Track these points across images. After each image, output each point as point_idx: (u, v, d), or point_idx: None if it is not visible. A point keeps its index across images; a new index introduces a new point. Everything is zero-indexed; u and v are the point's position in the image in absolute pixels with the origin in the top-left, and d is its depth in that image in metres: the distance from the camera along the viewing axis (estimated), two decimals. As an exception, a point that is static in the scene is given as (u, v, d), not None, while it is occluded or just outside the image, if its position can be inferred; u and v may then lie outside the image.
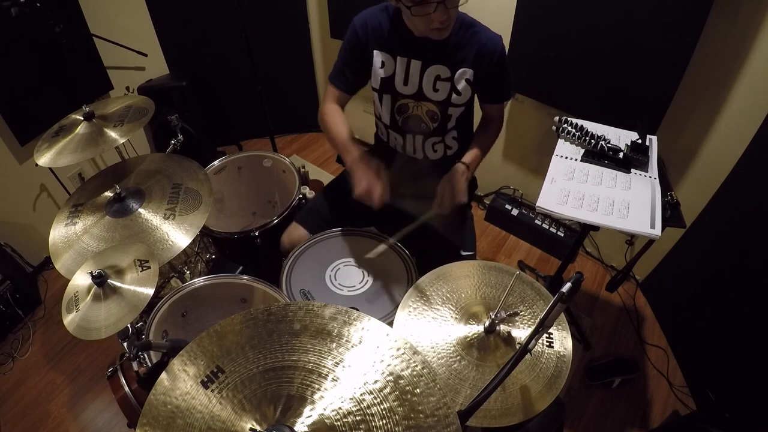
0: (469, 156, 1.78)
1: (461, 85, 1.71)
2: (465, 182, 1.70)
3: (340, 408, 0.84)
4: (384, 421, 0.83)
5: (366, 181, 1.54)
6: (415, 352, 0.91)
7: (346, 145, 1.70)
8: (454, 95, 1.73)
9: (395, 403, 0.85)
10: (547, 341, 1.28)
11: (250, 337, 0.93)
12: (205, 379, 0.86)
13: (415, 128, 1.86)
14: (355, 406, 0.84)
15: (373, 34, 1.72)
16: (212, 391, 0.85)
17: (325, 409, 0.84)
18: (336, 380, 0.88)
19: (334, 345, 0.92)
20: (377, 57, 1.74)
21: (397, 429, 0.82)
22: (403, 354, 0.91)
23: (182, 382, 0.86)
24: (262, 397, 0.86)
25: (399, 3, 1.53)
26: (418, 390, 0.87)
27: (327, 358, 0.90)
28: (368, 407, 0.84)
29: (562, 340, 1.30)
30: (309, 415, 0.84)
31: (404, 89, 1.76)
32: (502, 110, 1.88)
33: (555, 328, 1.32)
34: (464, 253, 1.83)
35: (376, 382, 0.87)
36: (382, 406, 0.84)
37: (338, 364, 0.90)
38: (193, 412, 0.82)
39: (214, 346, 0.91)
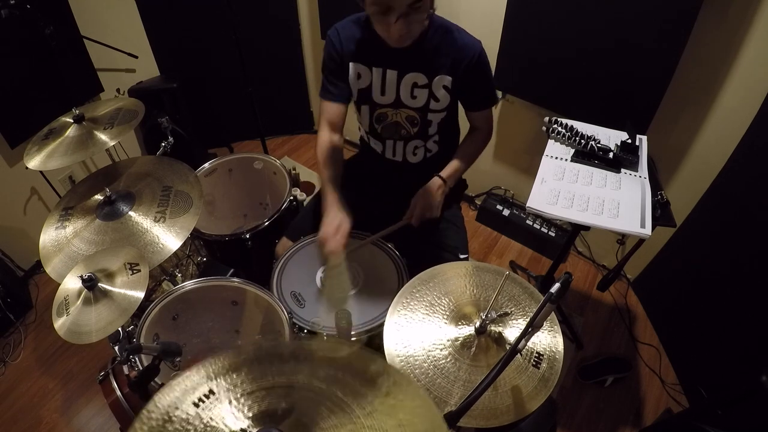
0: (448, 170, 1.78)
1: (440, 92, 1.70)
2: (440, 197, 1.71)
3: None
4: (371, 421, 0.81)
5: (324, 232, 1.59)
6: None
7: (324, 188, 1.73)
8: (432, 102, 1.73)
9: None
10: (534, 360, 1.27)
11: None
12: (197, 401, 0.83)
13: (395, 135, 1.85)
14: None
15: (347, 45, 1.71)
16: (203, 409, 0.82)
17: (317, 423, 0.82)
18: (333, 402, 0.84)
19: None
20: (352, 69, 1.73)
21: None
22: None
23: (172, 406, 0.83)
24: (257, 409, 0.83)
25: (364, 9, 1.53)
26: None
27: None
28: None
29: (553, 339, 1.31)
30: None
31: (382, 99, 1.76)
32: (488, 117, 1.85)
33: (546, 328, 1.32)
34: (461, 256, 1.83)
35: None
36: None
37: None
38: (185, 425, 0.80)
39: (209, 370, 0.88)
